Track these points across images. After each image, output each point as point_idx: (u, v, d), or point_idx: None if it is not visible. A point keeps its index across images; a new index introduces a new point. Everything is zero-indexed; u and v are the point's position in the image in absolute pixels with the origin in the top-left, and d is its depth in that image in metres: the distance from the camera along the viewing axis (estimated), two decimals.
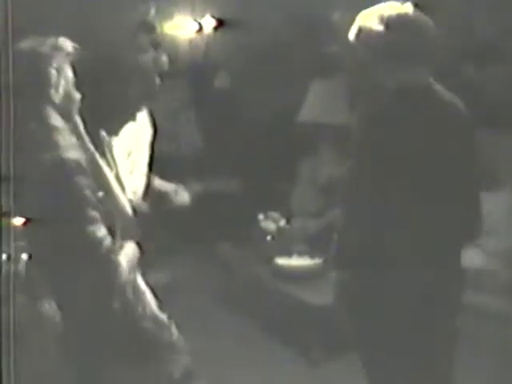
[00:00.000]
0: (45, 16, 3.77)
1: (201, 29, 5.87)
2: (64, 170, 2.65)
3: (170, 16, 5.55)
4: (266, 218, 5.39)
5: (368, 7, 2.98)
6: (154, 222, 3.18)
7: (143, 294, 2.97)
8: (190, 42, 5.91)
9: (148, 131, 3.25)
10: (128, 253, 2.86)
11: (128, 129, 3.09)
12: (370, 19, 2.95)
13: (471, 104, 2.98)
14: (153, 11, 4.31)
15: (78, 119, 2.83)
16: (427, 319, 2.92)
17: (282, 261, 4.96)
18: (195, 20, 5.86)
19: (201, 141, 6.16)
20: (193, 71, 6.19)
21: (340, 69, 5.37)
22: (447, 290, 2.94)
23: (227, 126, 6.03)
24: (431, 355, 2.96)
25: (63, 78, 2.77)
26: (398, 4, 2.98)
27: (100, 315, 2.76)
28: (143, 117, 3.19)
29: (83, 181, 2.68)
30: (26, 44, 2.79)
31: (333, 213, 5.34)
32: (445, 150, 2.87)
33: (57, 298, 2.80)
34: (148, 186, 3.23)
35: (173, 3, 5.32)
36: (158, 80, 3.04)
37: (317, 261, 4.89)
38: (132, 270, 2.88)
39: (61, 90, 2.76)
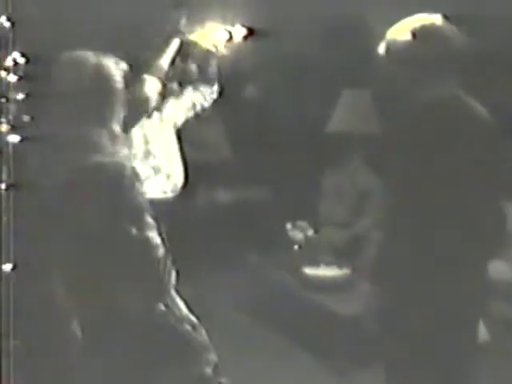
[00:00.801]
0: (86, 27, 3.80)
1: (231, 38, 5.88)
2: (123, 176, 2.66)
3: (200, 25, 5.57)
4: (294, 227, 5.40)
5: (400, 19, 2.99)
6: (181, 230, 3.19)
7: (175, 298, 2.99)
8: (220, 51, 5.92)
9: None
10: None
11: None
12: (399, 33, 2.94)
13: (500, 115, 2.97)
14: (184, 20, 4.34)
15: (138, 131, 2.84)
16: (454, 332, 2.92)
17: (309, 270, 4.96)
18: (225, 29, 5.88)
19: (229, 151, 6.16)
20: (222, 80, 6.21)
21: (370, 80, 5.37)
22: (475, 302, 2.94)
23: (256, 135, 6.03)
24: (457, 368, 2.95)
25: (124, 91, 2.78)
26: (427, 15, 2.97)
27: (147, 317, 2.77)
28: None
29: (139, 188, 2.70)
30: (90, 56, 2.79)
31: (361, 224, 5.37)
32: (472, 162, 2.86)
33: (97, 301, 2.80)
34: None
35: (203, 12, 5.34)
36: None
37: (345, 271, 4.88)
38: None
39: (122, 102, 2.77)
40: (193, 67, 3.28)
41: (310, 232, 5.37)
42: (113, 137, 2.77)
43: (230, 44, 6.16)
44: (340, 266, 4.94)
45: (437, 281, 2.89)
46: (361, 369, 4.39)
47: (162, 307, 2.84)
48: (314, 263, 5.00)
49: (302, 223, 5.42)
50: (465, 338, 2.98)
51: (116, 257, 2.74)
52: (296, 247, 5.29)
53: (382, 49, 3.00)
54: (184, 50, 3.42)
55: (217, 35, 6.20)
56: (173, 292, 2.93)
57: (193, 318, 3.05)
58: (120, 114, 2.81)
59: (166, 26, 4.54)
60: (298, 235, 5.32)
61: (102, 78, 2.81)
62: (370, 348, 3.64)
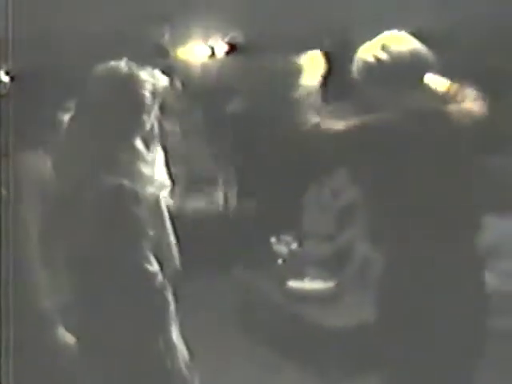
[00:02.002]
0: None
1: (213, 54, 5.92)
2: (124, 198, 2.58)
3: (183, 41, 5.60)
4: (279, 241, 5.41)
5: (384, 30, 3.01)
6: None
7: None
8: (203, 66, 5.95)
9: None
10: None
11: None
12: (369, 52, 2.98)
13: (474, 130, 3.00)
14: (166, 36, 4.35)
15: (160, 150, 2.78)
16: (443, 345, 2.93)
17: (294, 284, 4.97)
18: (207, 45, 5.91)
19: (213, 165, 6.19)
20: (205, 95, 6.23)
21: (350, 91, 5.40)
22: (464, 313, 2.95)
23: (239, 149, 6.05)
24: (447, 375, 2.96)
25: (156, 105, 2.71)
26: (395, 32, 3.01)
27: (144, 351, 2.71)
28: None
29: (141, 213, 2.62)
30: (123, 66, 2.72)
31: (344, 237, 5.39)
32: (450, 172, 2.90)
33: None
34: None
35: (186, 28, 5.37)
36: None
37: (329, 284, 4.90)
38: None
39: (152, 117, 2.71)
40: (177, 82, 3.28)
41: (294, 246, 5.39)
42: (136, 154, 2.68)
43: (213, 60, 6.20)
44: (324, 279, 4.96)
45: (423, 290, 2.90)
46: (347, 380, 4.41)
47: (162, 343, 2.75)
48: (299, 276, 5.01)
49: (287, 237, 5.44)
50: (454, 351, 2.97)
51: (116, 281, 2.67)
52: (280, 261, 5.30)
53: (354, 68, 3.04)
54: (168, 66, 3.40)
55: (199, 51, 6.23)
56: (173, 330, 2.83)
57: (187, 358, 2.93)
58: (147, 128, 2.72)
59: (149, 41, 4.57)
60: (283, 249, 5.34)
61: (130, 89, 2.70)
62: (356, 358, 3.64)
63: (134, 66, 2.74)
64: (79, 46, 4.28)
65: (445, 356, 2.93)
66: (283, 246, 5.42)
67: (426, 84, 3.01)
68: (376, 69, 2.96)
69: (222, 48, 5.82)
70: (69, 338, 2.85)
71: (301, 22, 5.16)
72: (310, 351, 4.58)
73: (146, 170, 2.70)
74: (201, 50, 5.90)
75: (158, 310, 2.75)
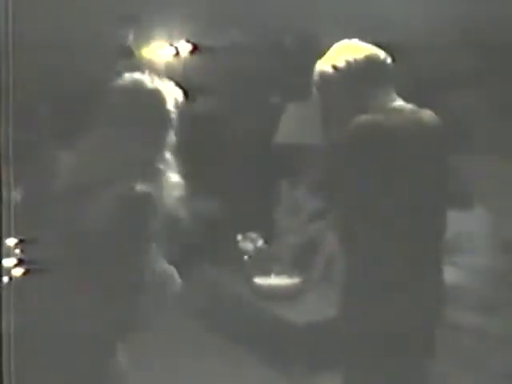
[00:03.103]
0: None
1: (177, 53, 5.91)
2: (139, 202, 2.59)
3: (146, 41, 5.59)
4: (245, 238, 5.44)
5: (348, 33, 3.06)
6: None
7: None
8: (167, 66, 5.95)
9: None
10: None
11: None
12: (326, 64, 3.02)
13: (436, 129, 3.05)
14: (131, 36, 4.36)
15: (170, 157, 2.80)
16: (408, 338, 2.96)
17: (260, 280, 5.00)
18: (171, 45, 5.90)
19: (179, 164, 6.18)
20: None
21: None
22: (430, 307, 2.99)
23: (205, 148, 6.05)
24: (408, 369, 3.00)
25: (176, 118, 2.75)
26: (348, 41, 3.06)
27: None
28: None
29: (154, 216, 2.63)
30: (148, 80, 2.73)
31: (310, 233, 5.42)
32: (418, 170, 2.94)
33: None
34: None
35: (149, 28, 5.37)
36: None
37: (295, 280, 4.95)
38: None
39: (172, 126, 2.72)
40: None
41: (260, 243, 5.42)
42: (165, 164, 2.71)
43: (177, 59, 6.19)
44: (290, 276, 4.99)
45: (391, 287, 2.93)
46: (314, 375, 4.44)
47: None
48: (265, 273, 5.04)
49: (253, 234, 5.47)
50: (416, 346, 3.01)
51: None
52: (246, 258, 5.33)
53: (314, 81, 3.09)
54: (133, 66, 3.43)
55: (163, 51, 6.22)
56: None
57: None
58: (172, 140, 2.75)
59: (114, 42, 4.56)
60: (249, 246, 5.37)
61: (157, 103, 2.73)
62: (322, 355, 3.66)
63: (156, 80, 2.77)
64: (43, 47, 4.27)
65: (407, 352, 2.97)
66: (249, 242, 5.45)
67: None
68: (334, 77, 3.00)
69: (185, 47, 5.82)
70: None
71: (264, 22, 5.19)
72: (275, 347, 4.60)
73: (173, 180, 2.73)
74: (165, 50, 5.89)
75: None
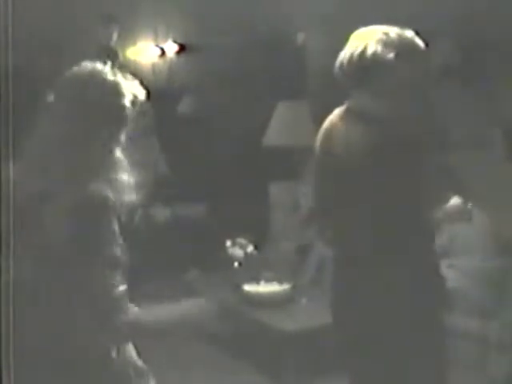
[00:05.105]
0: None
1: (163, 54, 5.86)
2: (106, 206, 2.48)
3: (132, 41, 5.54)
4: (234, 244, 5.36)
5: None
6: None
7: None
8: (153, 66, 5.90)
9: None
10: None
11: None
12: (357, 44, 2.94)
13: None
14: (115, 36, 4.27)
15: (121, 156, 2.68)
16: (403, 345, 2.91)
17: (249, 287, 4.92)
18: (157, 45, 5.87)
19: (165, 167, 6.12)
20: (156, 96, 6.15)
21: (304, 91, 5.38)
22: (423, 309, 2.94)
23: (192, 151, 6.00)
24: (401, 375, 2.94)
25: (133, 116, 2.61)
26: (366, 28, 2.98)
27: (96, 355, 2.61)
28: None
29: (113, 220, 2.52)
30: (108, 72, 2.61)
31: (301, 239, 5.38)
32: (399, 173, 2.88)
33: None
34: None
35: (135, 28, 5.30)
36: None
37: (285, 287, 4.87)
38: None
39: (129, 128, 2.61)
40: None
41: (250, 249, 5.34)
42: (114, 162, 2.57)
43: (163, 60, 6.14)
44: (280, 282, 4.92)
45: (378, 292, 2.89)
46: (303, 383, 4.39)
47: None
48: (254, 280, 4.97)
49: (242, 240, 5.38)
50: (410, 351, 2.96)
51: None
52: (236, 264, 5.25)
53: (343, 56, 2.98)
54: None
55: (149, 51, 6.17)
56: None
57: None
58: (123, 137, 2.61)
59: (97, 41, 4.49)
60: (238, 252, 5.29)
61: (112, 97, 2.58)
62: (311, 363, 3.62)
63: (118, 74, 2.63)
64: (26, 46, 4.18)
65: (401, 357, 2.92)
66: (238, 249, 5.37)
67: None
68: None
69: (171, 48, 5.78)
70: None
71: (251, 22, 5.15)
72: (265, 354, 4.55)
73: (125, 179, 2.61)
74: (151, 50, 5.86)
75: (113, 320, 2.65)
